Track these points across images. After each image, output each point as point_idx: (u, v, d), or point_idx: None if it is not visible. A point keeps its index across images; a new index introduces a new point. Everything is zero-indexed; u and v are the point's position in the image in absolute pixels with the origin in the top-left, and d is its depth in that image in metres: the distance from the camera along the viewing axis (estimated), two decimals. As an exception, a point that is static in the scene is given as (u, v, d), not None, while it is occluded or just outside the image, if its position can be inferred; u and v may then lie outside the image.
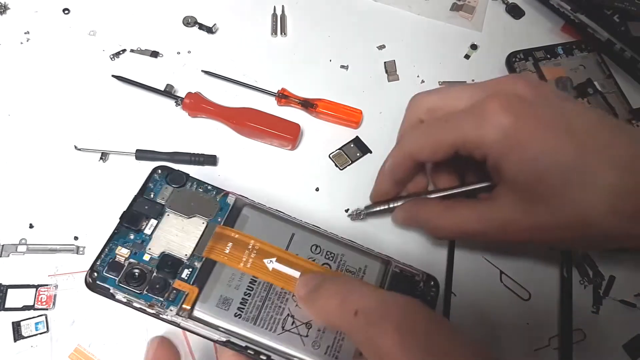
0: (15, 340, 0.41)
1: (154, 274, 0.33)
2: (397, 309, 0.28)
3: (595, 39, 0.55)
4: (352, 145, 0.50)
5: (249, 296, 0.32)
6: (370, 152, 0.50)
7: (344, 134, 0.51)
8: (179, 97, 0.50)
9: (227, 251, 0.33)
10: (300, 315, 0.33)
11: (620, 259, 0.47)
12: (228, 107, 0.50)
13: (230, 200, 0.36)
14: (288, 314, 0.32)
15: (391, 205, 0.42)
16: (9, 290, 0.42)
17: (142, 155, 0.47)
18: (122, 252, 0.33)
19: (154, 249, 0.33)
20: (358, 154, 0.50)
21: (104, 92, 0.50)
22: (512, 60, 0.55)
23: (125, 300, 0.32)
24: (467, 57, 0.56)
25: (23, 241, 0.44)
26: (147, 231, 0.34)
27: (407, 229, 0.45)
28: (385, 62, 0.55)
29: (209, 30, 0.54)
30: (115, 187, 0.46)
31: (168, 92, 0.50)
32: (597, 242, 0.35)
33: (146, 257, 0.33)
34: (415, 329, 0.27)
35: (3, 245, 0.43)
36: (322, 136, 0.50)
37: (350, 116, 0.50)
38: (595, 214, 0.31)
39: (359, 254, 0.36)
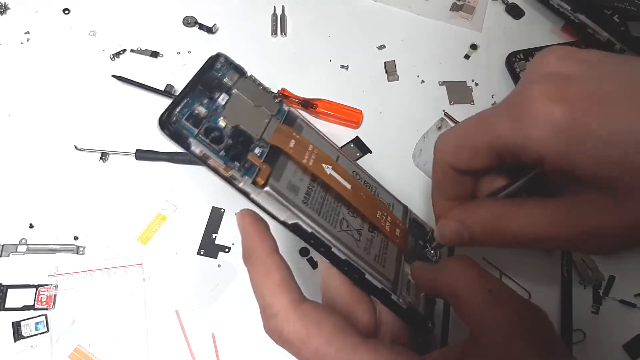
0: (15, 340, 0.40)
1: (229, 140, 0.31)
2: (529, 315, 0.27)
3: (595, 39, 0.55)
4: (352, 145, 0.50)
5: (311, 190, 0.33)
6: (370, 152, 0.50)
7: (344, 134, 0.51)
8: (179, 97, 0.50)
9: (291, 145, 0.33)
10: (355, 223, 0.34)
11: (621, 259, 0.47)
12: (228, 107, 0.50)
13: (286, 107, 0.36)
14: (343, 217, 0.33)
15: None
16: (9, 290, 0.42)
17: (142, 155, 0.47)
18: (201, 111, 0.31)
19: (228, 119, 0.32)
20: (358, 154, 0.50)
21: (104, 92, 0.50)
22: (512, 60, 0.55)
23: (201, 154, 0.30)
24: (467, 57, 0.56)
25: (23, 241, 0.44)
26: (221, 101, 0.32)
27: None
28: (385, 62, 0.55)
29: (209, 30, 0.54)
30: (115, 187, 0.47)
31: (168, 92, 0.50)
32: None
33: (221, 123, 0.31)
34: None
35: (3, 245, 0.43)
36: (322, 136, 0.51)
37: (350, 116, 0.50)
38: None
39: (387, 193, 0.38)
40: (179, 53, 0.53)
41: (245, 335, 0.43)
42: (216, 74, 0.33)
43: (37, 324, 0.41)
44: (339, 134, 0.51)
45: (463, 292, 0.28)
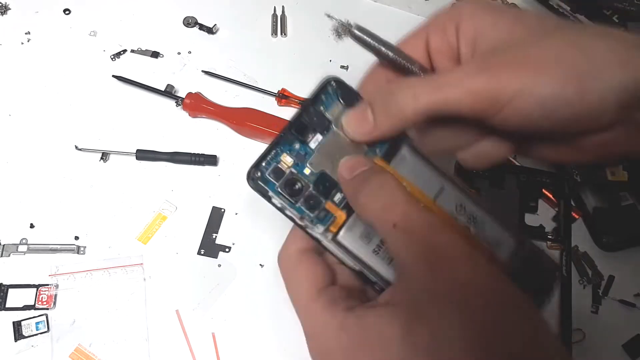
0: (16, 339, 0.41)
1: (310, 189, 0.33)
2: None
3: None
4: (352, 145, 0.50)
5: None
6: (370, 152, 0.50)
7: (344, 134, 0.51)
8: (180, 97, 0.50)
9: None
10: None
11: (620, 259, 0.47)
12: (228, 107, 0.50)
13: None
14: None
15: (383, 50, 0.34)
16: (10, 290, 0.42)
17: (142, 155, 0.47)
18: (287, 160, 0.33)
19: (315, 165, 0.33)
20: (358, 154, 0.50)
21: (104, 92, 0.51)
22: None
23: (279, 206, 0.33)
24: (467, 57, 0.56)
25: (24, 241, 0.44)
26: (312, 145, 0.34)
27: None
28: (385, 62, 0.55)
29: (210, 30, 0.54)
30: (115, 187, 0.47)
31: (168, 93, 0.50)
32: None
33: (306, 171, 0.33)
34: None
35: (4, 245, 0.44)
36: (322, 136, 0.50)
37: (350, 116, 0.50)
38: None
39: (498, 226, 0.34)
40: (179, 53, 0.53)
41: (246, 335, 0.43)
42: (317, 111, 0.34)
43: (37, 323, 0.41)
44: (339, 134, 0.51)
45: (373, 225, 0.28)
